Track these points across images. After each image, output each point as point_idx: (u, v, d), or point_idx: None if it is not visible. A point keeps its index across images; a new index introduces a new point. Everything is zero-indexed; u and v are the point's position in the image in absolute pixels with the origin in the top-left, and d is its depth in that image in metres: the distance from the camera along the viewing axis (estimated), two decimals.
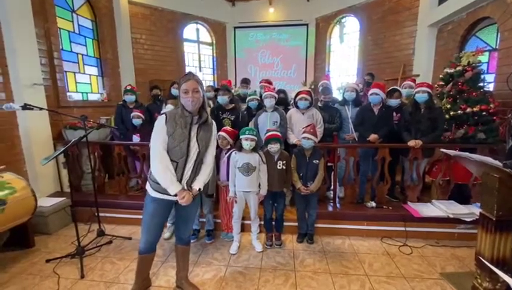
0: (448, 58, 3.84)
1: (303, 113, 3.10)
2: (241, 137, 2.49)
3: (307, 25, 7.11)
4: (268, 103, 3.06)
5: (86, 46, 4.78)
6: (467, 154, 1.88)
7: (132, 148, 3.57)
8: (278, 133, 2.61)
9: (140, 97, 4.37)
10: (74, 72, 4.54)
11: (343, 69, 6.94)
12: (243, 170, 2.48)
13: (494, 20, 3.63)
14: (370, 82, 4.61)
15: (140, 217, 1.85)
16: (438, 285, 2.15)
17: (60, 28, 4.12)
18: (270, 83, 3.96)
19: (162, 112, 3.43)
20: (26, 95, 3.10)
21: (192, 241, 2.65)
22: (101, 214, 2.92)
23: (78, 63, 4.61)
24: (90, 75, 4.88)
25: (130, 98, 3.88)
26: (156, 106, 4.14)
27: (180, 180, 1.73)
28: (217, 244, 2.79)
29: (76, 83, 4.58)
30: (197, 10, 6.76)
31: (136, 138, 3.55)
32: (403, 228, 2.84)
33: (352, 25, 6.61)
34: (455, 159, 2.14)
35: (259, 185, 2.55)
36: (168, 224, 2.90)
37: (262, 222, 2.82)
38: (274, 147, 2.56)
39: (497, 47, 3.70)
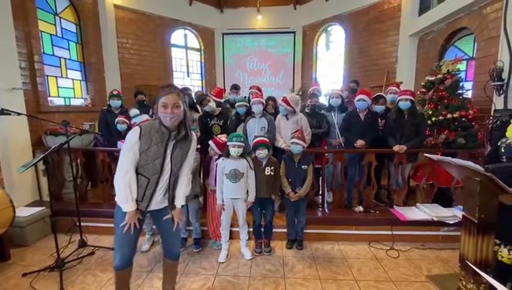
0: (429, 66, 3.99)
1: (288, 119, 3.12)
2: (228, 144, 2.46)
3: (294, 32, 7.24)
4: (256, 109, 3.07)
5: (69, 50, 4.66)
6: (449, 158, 1.93)
7: (117, 155, 3.47)
8: (265, 139, 2.61)
9: (126, 102, 4.28)
10: (56, 77, 4.40)
11: (330, 75, 7.08)
12: (230, 176, 2.45)
13: (471, 30, 3.82)
14: (355, 89, 4.71)
15: None
16: (424, 288, 2.19)
17: (41, 31, 3.99)
18: (260, 90, 3.98)
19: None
20: (3, 99, 2.97)
21: None
22: (83, 224, 2.80)
23: (60, 67, 4.47)
24: (73, 79, 4.75)
25: (115, 103, 3.78)
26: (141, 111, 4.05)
27: (151, 197, 1.64)
28: (205, 252, 2.73)
29: (58, 87, 4.44)
30: (185, 16, 6.75)
31: (121, 144, 3.45)
32: (389, 232, 2.88)
33: (337, 33, 6.79)
34: (438, 163, 2.19)
35: (248, 191, 2.53)
36: (146, 236, 2.81)
37: (251, 229, 2.79)
38: (262, 153, 2.55)
39: (474, 56, 3.89)
